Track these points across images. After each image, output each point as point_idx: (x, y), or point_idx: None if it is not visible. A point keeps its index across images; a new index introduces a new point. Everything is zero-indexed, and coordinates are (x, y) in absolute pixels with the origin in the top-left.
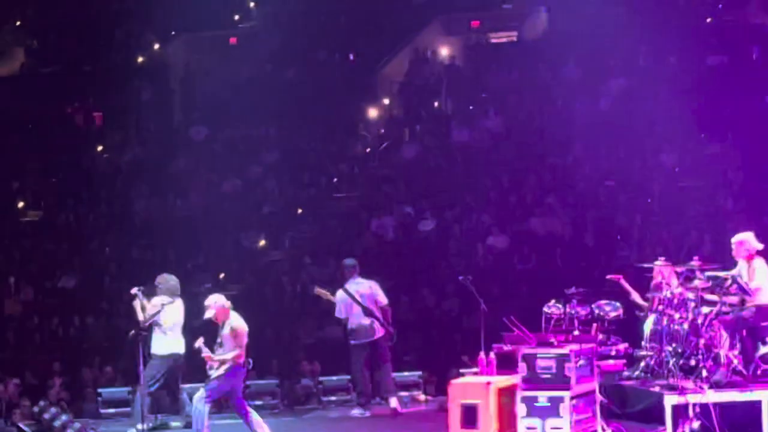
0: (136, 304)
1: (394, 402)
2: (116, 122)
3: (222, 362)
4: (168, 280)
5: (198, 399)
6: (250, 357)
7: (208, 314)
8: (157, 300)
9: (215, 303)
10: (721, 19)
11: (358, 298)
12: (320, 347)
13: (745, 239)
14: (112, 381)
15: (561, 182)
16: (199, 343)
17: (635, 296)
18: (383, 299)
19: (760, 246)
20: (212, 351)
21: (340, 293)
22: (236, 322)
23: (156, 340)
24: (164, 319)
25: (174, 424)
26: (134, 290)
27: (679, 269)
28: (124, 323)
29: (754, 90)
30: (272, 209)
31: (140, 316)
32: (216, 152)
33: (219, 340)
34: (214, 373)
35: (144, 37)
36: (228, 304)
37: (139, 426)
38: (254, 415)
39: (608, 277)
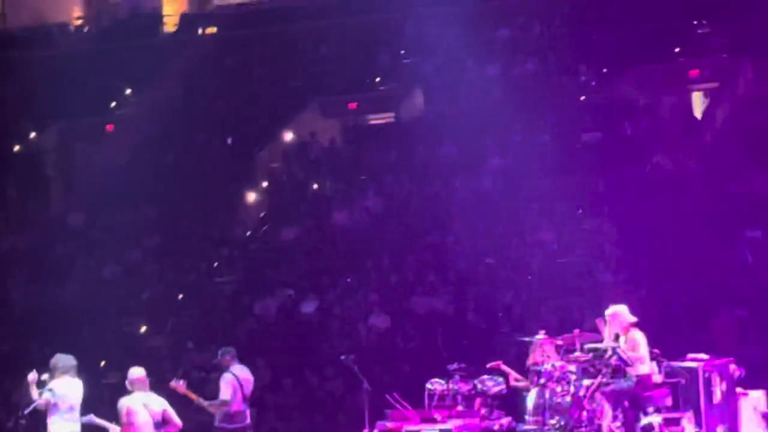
0: (33, 388)
1: None
2: None
3: None
4: (65, 359)
5: None
6: None
7: None
8: (55, 382)
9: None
10: (595, 96)
11: (243, 384)
12: None
13: (618, 312)
14: None
15: (441, 260)
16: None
17: (513, 380)
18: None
19: (634, 319)
20: None
21: (229, 377)
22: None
23: (53, 422)
24: (62, 399)
25: None
26: (31, 376)
27: (559, 342)
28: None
29: (627, 165)
30: (153, 294)
31: (38, 398)
32: (95, 238)
33: None
34: None
35: (19, 125)
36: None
37: None
38: None
39: (488, 365)
